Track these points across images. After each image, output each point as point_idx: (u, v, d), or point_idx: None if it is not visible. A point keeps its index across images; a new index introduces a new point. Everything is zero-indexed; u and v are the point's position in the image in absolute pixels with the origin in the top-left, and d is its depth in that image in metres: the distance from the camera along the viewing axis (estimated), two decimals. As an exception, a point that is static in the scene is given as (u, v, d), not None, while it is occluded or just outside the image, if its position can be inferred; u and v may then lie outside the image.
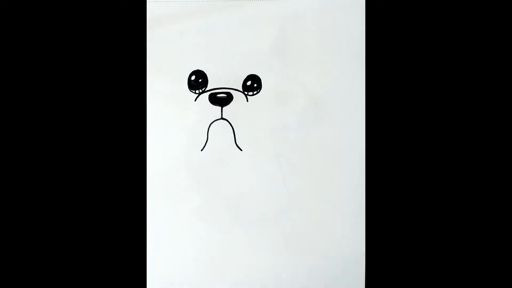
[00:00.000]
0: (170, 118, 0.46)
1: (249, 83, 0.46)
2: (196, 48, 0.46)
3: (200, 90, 0.46)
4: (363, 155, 0.46)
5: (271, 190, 0.46)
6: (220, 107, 0.46)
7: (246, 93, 0.46)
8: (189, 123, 0.46)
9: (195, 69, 0.46)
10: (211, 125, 0.46)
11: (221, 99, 0.46)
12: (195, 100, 0.46)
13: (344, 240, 0.47)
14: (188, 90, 0.46)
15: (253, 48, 0.46)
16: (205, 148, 0.46)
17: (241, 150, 0.46)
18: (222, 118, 0.46)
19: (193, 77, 0.46)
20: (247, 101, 0.46)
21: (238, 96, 0.46)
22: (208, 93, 0.46)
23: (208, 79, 0.46)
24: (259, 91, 0.46)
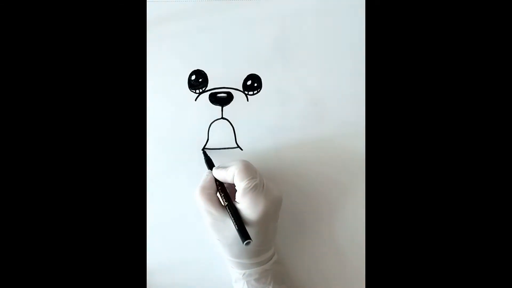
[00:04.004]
0: (170, 118, 0.46)
1: (249, 82, 0.46)
2: (196, 48, 0.46)
3: (200, 90, 0.46)
4: (363, 155, 0.46)
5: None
6: (220, 107, 0.46)
7: (246, 92, 0.46)
8: (189, 123, 0.46)
9: (195, 69, 0.46)
10: (212, 124, 0.46)
11: (221, 99, 0.46)
12: (195, 100, 0.46)
13: (344, 239, 0.47)
14: (188, 90, 0.46)
15: (253, 48, 0.46)
16: (205, 147, 0.46)
17: (241, 149, 0.46)
18: (222, 118, 0.46)
19: (193, 77, 0.46)
20: (248, 100, 0.46)
21: (238, 96, 0.46)
22: (208, 92, 0.46)
23: (208, 79, 0.46)
24: (260, 91, 0.46)
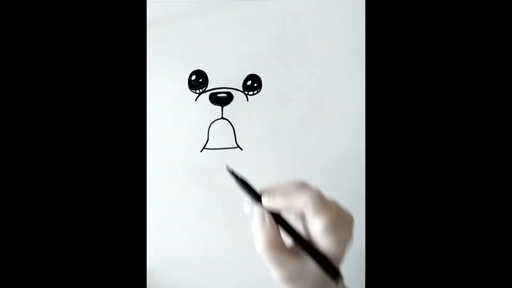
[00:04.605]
0: (170, 118, 0.46)
1: (249, 82, 0.46)
2: (196, 48, 0.46)
3: (200, 90, 0.46)
4: (363, 155, 0.46)
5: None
6: (220, 107, 0.46)
7: (246, 92, 0.46)
8: (189, 123, 0.46)
9: (195, 69, 0.46)
10: (212, 124, 0.46)
11: (221, 99, 0.46)
12: (195, 100, 0.46)
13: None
14: (188, 90, 0.46)
15: (253, 48, 0.46)
16: (205, 147, 0.46)
17: (241, 149, 0.46)
18: (222, 118, 0.46)
19: (193, 77, 0.46)
20: (248, 100, 0.46)
21: (238, 96, 0.46)
22: (208, 93, 0.46)
23: (208, 79, 0.46)
24: (259, 91, 0.46)
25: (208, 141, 0.46)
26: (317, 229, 0.30)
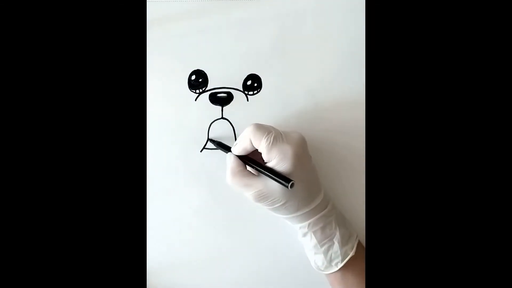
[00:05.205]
0: (169, 118, 0.46)
1: (249, 82, 0.46)
2: (196, 48, 0.46)
3: (200, 90, 0.46)
4: (363, 155, 0.46)
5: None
6: (220, 107, 0.46)
7: (246, 92, 0.46)
8: (189, 123, 0.46)
9: (195, 69, 0.46)
10: (212, 124, 0.46)
11: (221, 99, 0.46)
12: (195, 100, 0.46)
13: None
14: (188, 90, 0.46)
15: (253, 48, 0.46)
16: (205, 147, 0.46)
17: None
18: (222, 118, 0.46)
19: (193, 77, 0.46)
20: (248, 100, 0.46)
21: (238, 96, 0.46)
22: (208, 92, 0.46)
23: (208, 79, 0.46)
24: (260, 91, 0.46)
25: (208, 141, 0.46)
26: (263, 151, 0.39)
